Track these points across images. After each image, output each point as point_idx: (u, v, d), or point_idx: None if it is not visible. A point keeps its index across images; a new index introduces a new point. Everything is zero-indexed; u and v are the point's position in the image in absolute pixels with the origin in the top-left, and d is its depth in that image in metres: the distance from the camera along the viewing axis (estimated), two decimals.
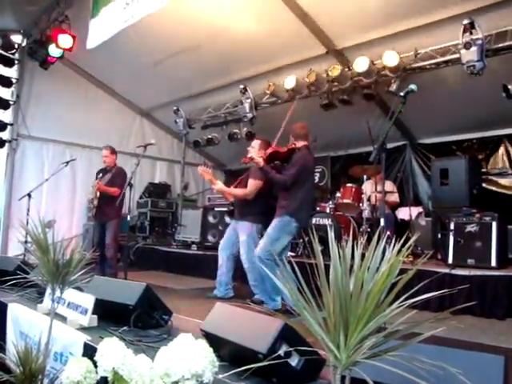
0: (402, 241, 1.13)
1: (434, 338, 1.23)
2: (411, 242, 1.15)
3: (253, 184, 4.90)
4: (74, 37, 6.71)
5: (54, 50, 7.03)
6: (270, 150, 4.57)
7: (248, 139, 7.74)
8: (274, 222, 4.46)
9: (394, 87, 6.03)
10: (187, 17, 6.31)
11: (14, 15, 7.26)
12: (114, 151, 6.31)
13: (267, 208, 4.87)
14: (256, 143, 5.03)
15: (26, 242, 4.92)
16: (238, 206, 5.10)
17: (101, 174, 6.21)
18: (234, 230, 5.14)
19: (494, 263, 4.74)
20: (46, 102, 8.25)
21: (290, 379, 1.68)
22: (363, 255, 1.12)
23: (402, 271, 1.08)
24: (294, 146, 4.61)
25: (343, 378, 1.06)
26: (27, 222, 5.25)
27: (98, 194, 5.98)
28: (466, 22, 5.04)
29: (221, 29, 6.38)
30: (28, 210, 6.39)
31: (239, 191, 5.07)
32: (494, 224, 4.87)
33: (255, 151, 4.82)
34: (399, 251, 1.09)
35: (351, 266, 1.09)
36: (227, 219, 6.54)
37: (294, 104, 5.50)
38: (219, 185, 5.16)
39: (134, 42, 6.81)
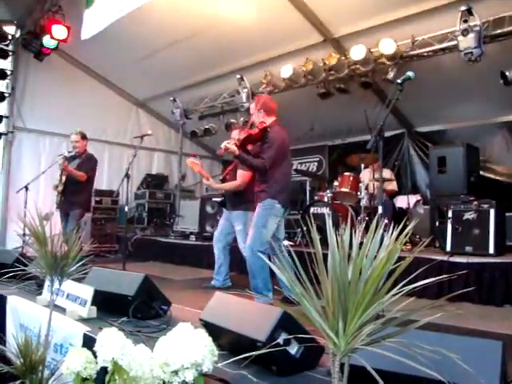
0: (399, 228, 1.13)
1: (432, 325, 1.24)
2: (409, 228, 1.15)
3: (243, 175, 4.89)
4: (68, 28, 6.68)
5: (48, 41, 6.98)
6: (242, 136, 4.21)
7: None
8: (257, 209, 4.22)
9: (391, 75, 6.01)
10: (183, 6, 6.24)
11: (7, 5, 7.18)
12: (84, 137, 5.96)
13: None
14: (235, 133, 4.83)
15: (24, 234, 4.89)
16: (229, 196, 5.08)
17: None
18: (227, 220, 5.15)
19: (491, 250, 4.75)
20: (42, 94, 8.18)
21: (290, 367, 1.69)
22: (361, 243, 1.12)
23: (401, 259, 1.09)
24: (264, 124, 4.21)
25: (342, 365, 1.07)
26: (25, 215, 5.20)
27: (64, 178, 5.58)
28: (463, 8, 5.00)
29: (216, 18, 6.31)
30: (25, 203, 6.38)
31: (230, 185, 5.03)
32: (492, 211, 4.88)
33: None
34: (397, 238, 1.09)
35: (349, 254, 1.09)
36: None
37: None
38: (210, 181, 5.19)
39: (129, 31, 6.74)
